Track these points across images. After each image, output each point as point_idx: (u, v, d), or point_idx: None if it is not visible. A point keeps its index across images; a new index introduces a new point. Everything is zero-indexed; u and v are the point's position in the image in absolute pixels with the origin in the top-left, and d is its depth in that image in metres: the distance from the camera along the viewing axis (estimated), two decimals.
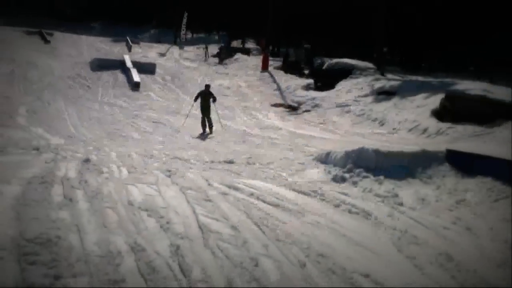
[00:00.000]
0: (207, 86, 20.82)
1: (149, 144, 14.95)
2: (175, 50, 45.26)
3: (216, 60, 42.19)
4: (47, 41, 38.06)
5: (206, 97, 19.99)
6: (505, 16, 32.61)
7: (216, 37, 59.82)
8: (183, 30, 54.72)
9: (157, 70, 30.43)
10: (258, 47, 46.07)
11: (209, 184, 8.66)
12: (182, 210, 7.05)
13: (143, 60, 34.06)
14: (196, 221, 6.61)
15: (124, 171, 9.44)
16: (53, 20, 57.87)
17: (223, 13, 62.62)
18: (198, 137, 16.96)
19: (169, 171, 9.58)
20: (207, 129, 19.21)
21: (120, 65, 30.31)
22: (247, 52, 44.62)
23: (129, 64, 30.39)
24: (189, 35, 59.80)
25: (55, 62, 29.39)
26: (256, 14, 49.61)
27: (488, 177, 9.20)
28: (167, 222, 6.48)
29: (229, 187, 8.51)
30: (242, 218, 6.89)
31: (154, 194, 7.81)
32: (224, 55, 43.01)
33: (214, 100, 20.33)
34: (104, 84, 26.19)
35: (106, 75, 27.45)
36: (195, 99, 20.17)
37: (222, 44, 50.55)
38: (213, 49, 45.05)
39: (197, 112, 18.40)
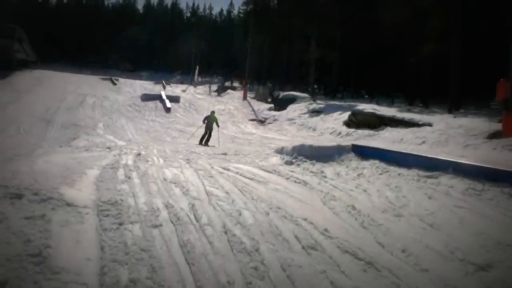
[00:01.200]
0: (213, 112, 19.45)
1: (177, 144, 16.19)
2: (191, 88, 51.19)
3: (216, 93, 48.77)
4: (114, 84, 42.19)
5: (211, 120, 18.46)
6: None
7: (216, 80, 67.28)
8: (195, 76, 66.16)
9: (181, 100, 34.47)
10: (241, 85, 51.26)
11: (212, 167, 9.33)
12: (196, 183, 7.66)
13: (172, 94, 37.92)
14: (204, 189, 7.23)
15: (161, 160, 10.09)
16: (115, 71, 64.75)
17: (220, 65, 73.94)
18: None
19: (188, 159, 10.33)
20: (203, 143, 17.54)
21: (158, 97, 34.27)
22: (234, 88, 51.72)
23: (164, 96, 34.35)
24: (200, 79, 68.12)
25: (119, 96, 32.92)
26: (240, 66, 59.40)
27: (376, 159, 10.14)
28: (187, 190, 7.07)
29: (224, 168, 9.22)
30: (231, 187, 7.52)
31: (179, 174, 8.41)
32: (221, 90, 51.38)
33: (217, 125, 18.56)
34: (149, 109, 29.57)
35: (150, 104, 31.11)
36: (204, 121, 18.61)
37: (219, 84, 57.50)
38: (214, 87, 52.40)
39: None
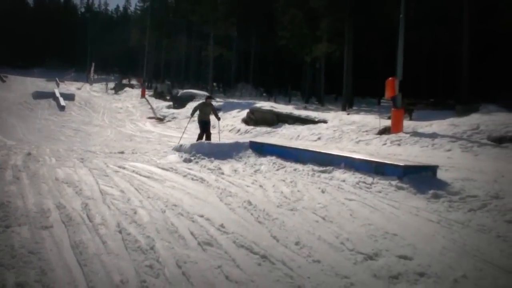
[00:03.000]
0: (209, 98, 16.07)
1: (71, 143, 15.47)
2: (87, 86, 50.71)
3: (113, 91, 48.58)
4: (3, 81, 41.43)
5: (206, 111, 15.31)
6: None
7: (113, 77, 66.65)
8: (91, 73, 63.38)
9: (76, 98, 33.86)
10: (139, 83, 51.48)
11: (107, 166, 9.12)
12: (90, 182, 7.44)
13: (67, 92, 37.43)
14: (98, 188, 7.04)
15: (53, 159, 9.73)
16: (6, 67, 60.68)
17: (117, 62, 72.48)
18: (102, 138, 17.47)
19: (82, 158, 10.05)
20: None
21: (52, 95, 33.52)
22: (132, 86, 53.41)
23: (57, 94, 33.76)
24: (96, 76, 65.70)
25: (9, 94, 31.92)
26: (138, 64, 58.87)
27: (273, 156, 10.46)
28: (80, 190, 6.85)
29: (119, 167, 9.03)
30: (127, 186, 7.38)
31: (72, 173, 8.14)
32: (118, 88, 50.14)
33: (217, 116, 15.66)
34: (42, 107, 28.67)
35: (43, 102, 30.05)
36: (192, 113, 15.60)
37: (116, 82, 57.47)
38: (111, 84, 51.82)
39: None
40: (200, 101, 16.39)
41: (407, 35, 18.01)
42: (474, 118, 16.06)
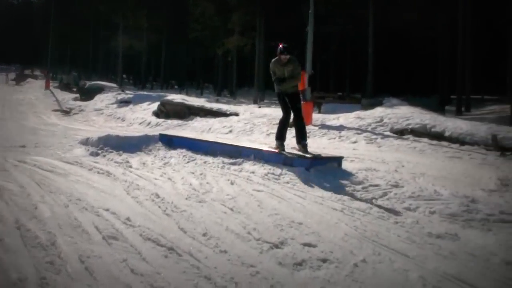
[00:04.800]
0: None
1: None
2: None
3: (14, 82, 46.25)
4: None
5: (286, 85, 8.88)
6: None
7: (13, 68, 62.64)
8: None
9: None
10: (43, 74, 49.29)
11: (6, 160, 8.70)
12: None
13: None
14: None
15: None
16: None
17: (19, 52, 67.64)
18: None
19: None
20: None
21: None
22: (35, 77, 49.48)
23: None
24: None
25: None
26: (42, 54, 55.53)
27: (183, 148, 10.44)
28: None
29: (20, 161, 8.62)
30: (28, 180, 7.06)
31: None
32: (20, 79, 47.13)
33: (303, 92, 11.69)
34: None
35: None
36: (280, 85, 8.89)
37: (17, 72, 53.32)
38: (12, 75, 49.08)
39: None
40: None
41: (316, 30, 18.53)
42: (378, 112, 16.82)
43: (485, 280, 4.08)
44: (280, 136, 9.20)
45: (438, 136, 13.90)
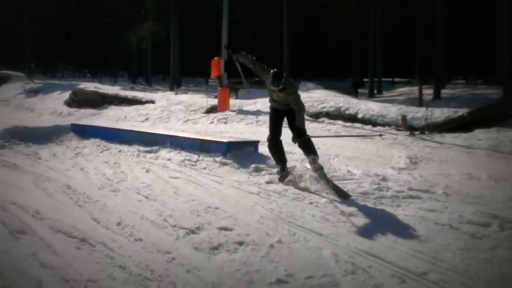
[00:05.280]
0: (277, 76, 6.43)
1: None
2: None
3: None
4: None
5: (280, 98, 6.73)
6: None
7: None
8: None
9: None
10: None
11: None
12: None
13: None
14: None
15: None
16: None
17: None
18: None
19: None
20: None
21: None
22: None
23: None
24: None
25: None
26: None
27: (97, 138, 10.16)
28: None
29: None
30: None
31: None
32: None
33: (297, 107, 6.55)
34: None
35: None
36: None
37: None
38: None
39: None
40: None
41: (231, 15, 18.53)
42: None
43: (394, 254, 4.28)
44: (280, 159, 6.91)
45: (351, 118, 14.41)
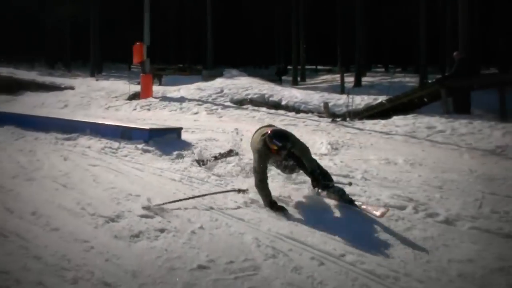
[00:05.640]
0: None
1: None
2: None
3: None
4: None
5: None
6: None
7: None
8: None
9: None
10: None
11: None
12: None
13: None
14: None
15: None
16: None
17: None
18: None
19: None
20: None
21: None
22: None
23: None
24: None
25: None
26: None
27: (11, 125, 9.77)
28: None
29: None
30: None
31: None
32: None
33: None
34: None
35: None
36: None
37: None
38: None
39: None
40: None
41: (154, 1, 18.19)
42: (218, 83, 17.14)
43: (314, 238, 4.39)
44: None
45: (275, 105, 14.60)
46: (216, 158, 7.00)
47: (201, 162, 6.89)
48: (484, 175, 7.01)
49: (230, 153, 7.26)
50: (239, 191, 4.54)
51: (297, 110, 13.99)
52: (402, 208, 5.33)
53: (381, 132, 10.94)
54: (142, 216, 4.70)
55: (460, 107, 12.96)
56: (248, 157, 7.36)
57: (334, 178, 6.50)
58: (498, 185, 6.49)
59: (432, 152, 8.89)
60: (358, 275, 3.63)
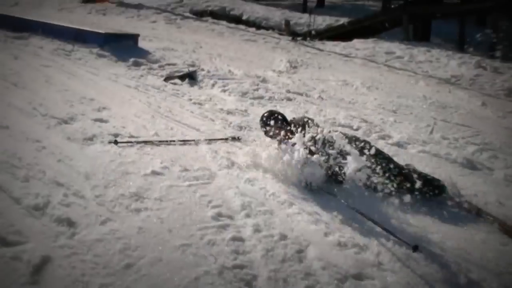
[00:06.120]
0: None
1: None
2: None
3: None
4: None
5: None
6: None
7: None
8: None
9: None
10: None
11: None
12: None
13: None
14: None
15: None
16: None
17: None
18: None
19: None
20: None
21: None
22: None
23: None
24: None
25: None
26: None
27: None
28: None
29: None
30: None
31: None
32: None
33: None
34: None
35: None
36: None
37: None
38: None
39: None
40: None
41: None
42: None
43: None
44: None
45: (236, 19, 14.30)
46: (181, 78, 6.83)
47: (169, 79, 6.74)
48: (437, 102, 7.19)
49: (193, 73, 7.06)
50: (234, 139, 4.48)
51: (258, 26, 13.78)
52: (356, 129, 5.45)
53: (340, 54, 10.96)
54: (96, 120, 4.63)
55: (420, 35, 13.06)
56: (207, 69, 7.32)
57: (291, 95, 6.60)
58: (450, 113, 6.70)
59: (389, 77, 9.01)
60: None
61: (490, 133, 5.84)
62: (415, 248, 2.72)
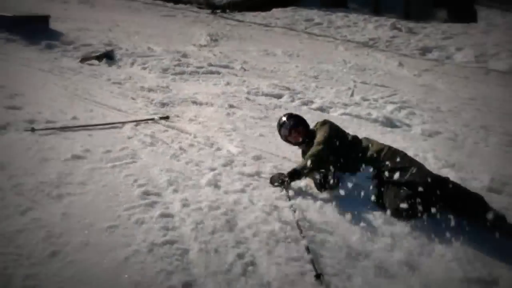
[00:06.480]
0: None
1: None
2: None
3: None
4: None
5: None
6: None
7: None
8: None
9: None
10: None
11: None
12: None
13: None
14: None
15: None
16: None
17: None
18: None
19: None
20: None
21: None
22: None
23: None
24: None
25: None
26: None
27: None
28: None
29: None
30: None
31: None
32: None
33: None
34: None
35: None
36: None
37: None
38: None
39: None
40: None
41: None
42: None
43: (190, 126, 4.41)
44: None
45: None
46: (97, 58, 6.60)
47: (85, 60, 6.49)
48: (356, 65, 7.37)
49: (110, 52, 6.84)
50: (161, 118, 4.37)
51: (176, 1, 13.52)
52: (279, 96, 5.51)
53: (260, 24, 10.97)
54: (9, 107, 4.41)
55: (337, 0, 13.25)
56: (125, 48, 7.14)
57: (213, 68, 6.56)
58: (369, 74, 6.89)
59: (310, 44, 9.13)
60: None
61: (407, 92, 6.07)
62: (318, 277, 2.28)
